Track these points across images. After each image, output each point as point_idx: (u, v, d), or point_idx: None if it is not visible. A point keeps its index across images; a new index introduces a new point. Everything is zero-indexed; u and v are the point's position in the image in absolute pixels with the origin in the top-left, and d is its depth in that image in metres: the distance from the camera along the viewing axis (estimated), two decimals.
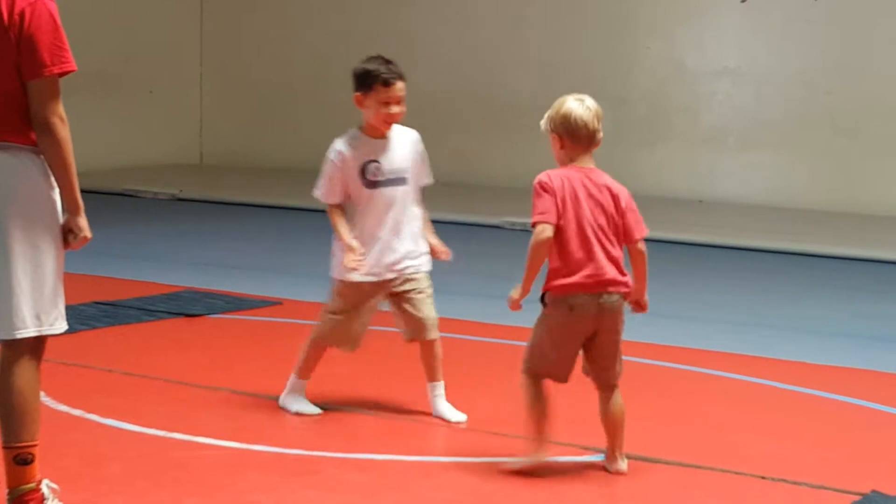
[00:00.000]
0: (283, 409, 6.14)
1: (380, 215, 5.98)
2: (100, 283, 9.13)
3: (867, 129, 13.80)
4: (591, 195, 5.26)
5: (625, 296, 5.29)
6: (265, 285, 9.36)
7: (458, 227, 11.28)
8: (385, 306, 6.13)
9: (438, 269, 6.19)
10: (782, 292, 9.96)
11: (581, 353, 5.33)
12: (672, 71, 14.83)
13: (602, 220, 5.25)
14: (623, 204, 5.29)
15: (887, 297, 9.84)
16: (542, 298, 5.29)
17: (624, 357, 5.40)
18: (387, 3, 16.32)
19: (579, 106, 5.31)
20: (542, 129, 5.38)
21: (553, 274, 5.25)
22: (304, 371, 6.15)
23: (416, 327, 6.05)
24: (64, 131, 4.41)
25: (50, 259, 4.47)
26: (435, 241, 6.11)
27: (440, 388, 6.09)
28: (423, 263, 6.08)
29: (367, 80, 5.98)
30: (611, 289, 5.23)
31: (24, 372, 4.45)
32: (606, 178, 5.33)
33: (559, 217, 5.20)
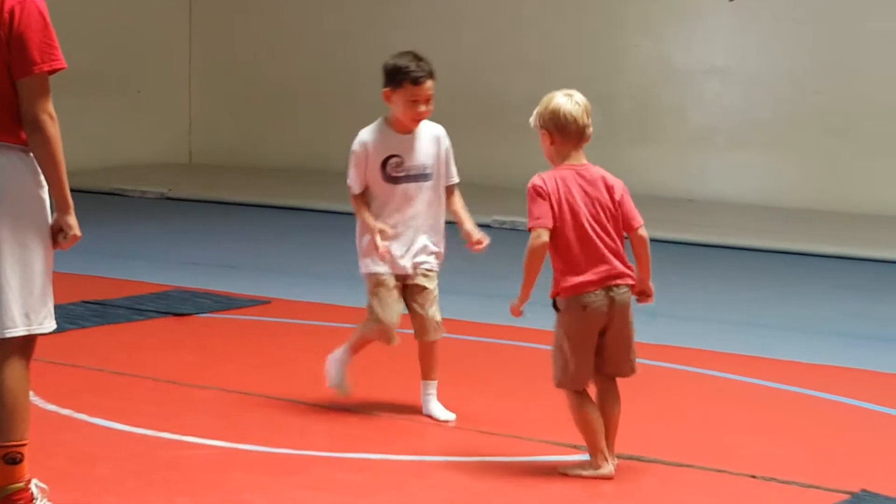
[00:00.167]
0: (327, 369, 6.17)
1: (400, 210, 5.96)
2: (89, 283, 9.10)
3: (856, 127, 13.80)
4: (586, 192, 5.25)
5: (631, 288, 5.29)
6: (254, 284, 9.35)
7: (446, 225, 11.24)
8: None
9: None
10: (772, 291, 9.96)
11: None
12: (661, 70, 14.83)
13: (600, 215, 5.25)
14: (618, 195, 5.29)
15: (878, 296, 9.85)
16: (554, 304, 5.28)
17: None
18: (380, 2, 16.30)
19: (568, 101, 5.30)
20: (532, 126, 5.37)
21: (560, 276, 5.24)
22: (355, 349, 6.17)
23: (419, 326, 6.03)
24: (54, 129, 4.40)
25: (39, 258, 4.46)
26: (470, 226, 6.01)
27: (433, 387, 6.08)
28: (437, 261, 6.06)
29: (397, 77, 5.91)
30: (619, 281, 5.24)
31: (13, 371, 4.44)
32: (601, 171, 5.33)
33: (555, 220, 5.20)
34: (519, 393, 6.59)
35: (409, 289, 6.02)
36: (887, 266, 11.04)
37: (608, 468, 5.28)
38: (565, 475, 5.29)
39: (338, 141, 16.01)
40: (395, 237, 5.95)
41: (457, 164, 6.17)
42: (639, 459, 5.50)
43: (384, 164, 5.96)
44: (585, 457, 5.36)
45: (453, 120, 16.42)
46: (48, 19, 4.42)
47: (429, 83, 5.91)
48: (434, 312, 6.02)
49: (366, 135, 6.00)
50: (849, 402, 6.61)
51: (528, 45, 15.38)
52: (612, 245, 5.26)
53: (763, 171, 14.24)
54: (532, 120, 5.36)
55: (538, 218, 5.20)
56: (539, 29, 15.37)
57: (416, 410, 6.13)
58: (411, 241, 5.99)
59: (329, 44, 16.51)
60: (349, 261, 10.06)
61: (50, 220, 4.50)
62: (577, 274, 5.21)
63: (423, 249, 6.01)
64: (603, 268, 5.22)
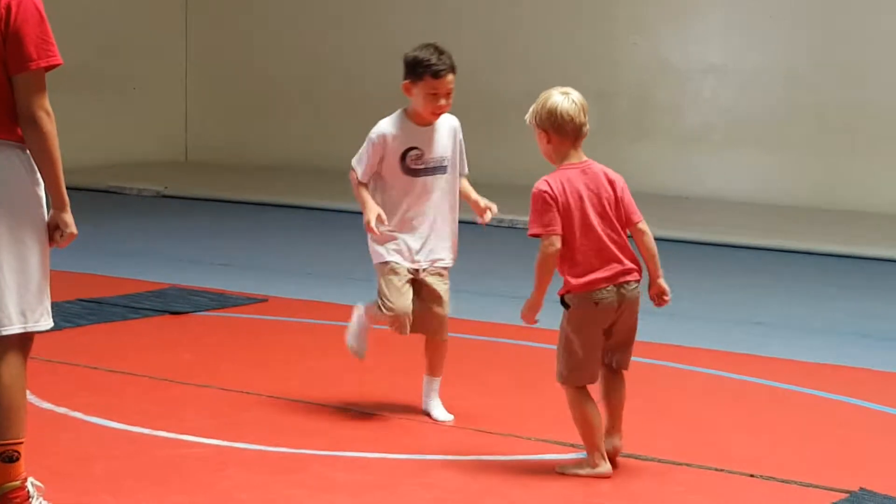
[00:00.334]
0: (349, 331, 6.14)
1: (418, 203, 5.93)
2: (84, 281, 9.09)
3: (852, 125, 13.80)
4: (591, 189, 5.26)
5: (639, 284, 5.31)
6: (251, 282, 9.33)
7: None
8: None
9: None
10: (769, 289, 9.95)
11: None
12: (657, 68, 14.82)
13: (606, 211, 5.26)
14: (619, 190, 5.29)
15: (874, 293, 9.84)
16: (562, 301, 5.27)
17: None
18: (380, 2, 16.27)
19: (565, 100, 5.29)
20: (527, 123, 5.36)
21: (570, 274, 5.23)
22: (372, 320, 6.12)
23: (430, 323, 5.99)
24: (50, 125, 4.39)
25: (35, 255, 4.44)
26: (476, 196, 6.01)
27: (436, 384, 6.05)
28: (451, 256, 6.04)
29: (418, 69, 5.86)
30: (629, 278, 5.26)
31: (10, 369, 4.43)
32: (601, 167, 5.33)
33: (563, 223, 5.19)
34: (516, 391, 6.58)
35: (421, 285, 5.98)
36: (884, 264, 11.04)
37: (605, 467, 5.27)
38: (563, 474, 5.28)
39: (334, 138, 16.08)
40: (411, 230, 5.92)
41: None
42: (636, 458, 5.50)
43: (404, 156, 5.92)
44: (582, 454, 5.36)
45: None
46: (45, 15, 4.41)
47: (450, 77, 5.87)
48: (445, 310, 5.99)
49: (386, 126, 5.94)
50: (847, 400, 6.60)
51: (525, 44, 15.37)
52: (619, 240, 5.28)
53: (759, 169, 14.24)
54: (528, 118, 5.35)
55: (548, 225, 5.19)
56: (536, 28, 15.36)
57: (413, 409, 6.12)
58: (427, 234, 5.95)
59: (325, 42, 16.49)
60: (346, 258, 10.08)
61: (46, 217, 4.48)
62: (589, 271, 5.21)
63: (439, 244, 5.98)
64: (614, 264, 5.24)
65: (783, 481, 5.26)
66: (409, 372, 6.35)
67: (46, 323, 4.51)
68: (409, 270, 5.94)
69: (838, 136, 13.87)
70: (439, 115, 5.94)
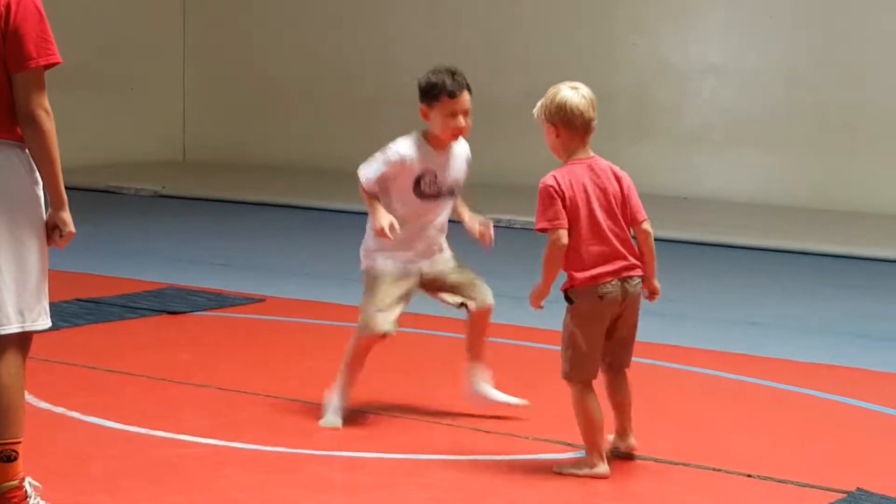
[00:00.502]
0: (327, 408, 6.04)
1: (423, 225, 5.92)
2: (82, 280, 9.09)
3: (852, 125, 13.80)
4: (597, 185, 5.26)
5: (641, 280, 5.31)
6: (249, 282, 9.33)
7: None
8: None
9: None
10: (767, 290, 9.95)
11: None
12: (657, 68, 14.82)
13: (612, 207, 5.27)
14: (626, 188, 5.30)
15: (873, 294, 9.84)
16: (566, 296, 5.27)
17: None
18: (379, 3, 16.27)
19: (575, 94, 5.29)
20: (535, 118, 5.35)
21: (575, 269, 5.23)
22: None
23: (471, 292, 5.94)
24: (49, 124, 4.38)
25: (34, 255, 4.44)
26: (468, 218, 5.99)
27: (488, 375, 6.04)
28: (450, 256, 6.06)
29: (433, 92, 5.85)
30: (633, 273, 5.27)
31: (8, 368, 4.42)
32: (608, 163, 5.33)
33: (569, 218, 5.19)
34: (516, 391, 6.56)
35: (438, 284, 5.97)
36: (883, 264, 11.05)
37: (603, 467, 5.27)
38: (561, 474, 5.28)
39: (333, 138, 16.10)
40: (409, 246, 5.91)
41: None
42: (634, 458, 5.49)
43: (418, 180, 5.90)
44: (580, 454, 5.36)
45: None
46: (44, 14, 4.41)
47: (466, 95, 5.85)
48: (483, 282, 5.97)
49: (406, 149, 5.89)
50: (844, 400, 6.60)
51: (525, 44, 15.37)
52: (623, 235, 5.29)
53: (759, 169, 14.24)
54: (536, 112, 5.34)
55: (553, 219, 5.19)
56: (536, 28, 15.36)
57: (410, 409, 6.12)
58: (424, 250, 5.95)
59: (324, 42, 16.49)
60: (344, 259, 10.06)
61: (45, 216, 4.48)
62: (594, 265, 5.22)
63: (438, 253, 5.98)
64: (618, 259, 5.25)
65: (780, 481, 5.26)
66: (408, 372, 6.35)
67: (44, 322, 4.50)
68: (416, 281, 5.94)
69: (838, 136, 13.87)
70: (458, 135, 5.91)
